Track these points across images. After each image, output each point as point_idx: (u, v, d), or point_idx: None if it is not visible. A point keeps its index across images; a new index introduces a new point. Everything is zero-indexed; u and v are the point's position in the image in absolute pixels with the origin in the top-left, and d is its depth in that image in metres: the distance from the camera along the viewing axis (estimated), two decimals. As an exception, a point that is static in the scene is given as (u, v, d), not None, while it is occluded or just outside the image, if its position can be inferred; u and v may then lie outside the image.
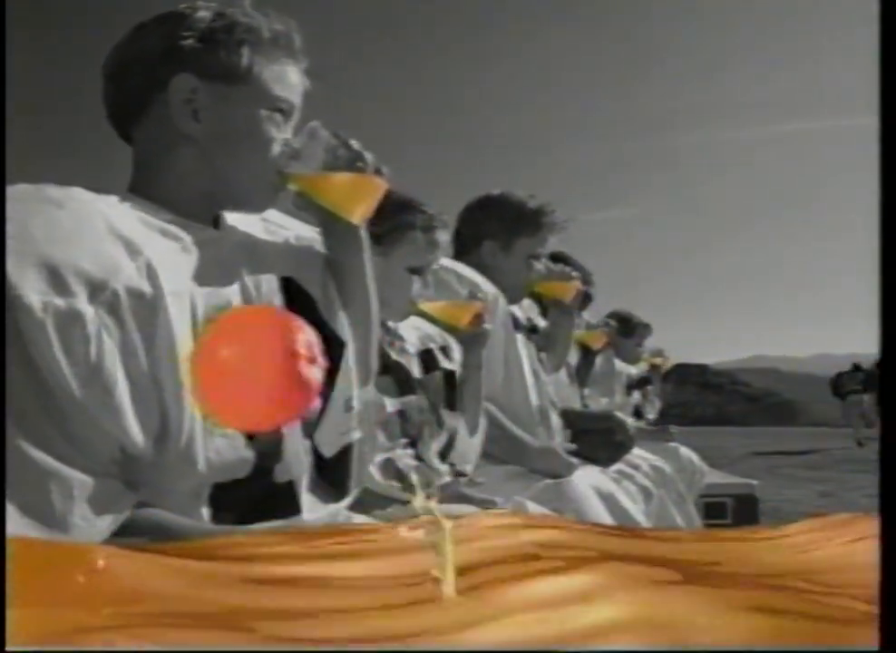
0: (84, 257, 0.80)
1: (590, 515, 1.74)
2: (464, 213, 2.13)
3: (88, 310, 0.78)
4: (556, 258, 2.36)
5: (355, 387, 1.10)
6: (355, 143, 1.02)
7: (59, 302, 0.77)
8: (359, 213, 1.06)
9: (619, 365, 3.67)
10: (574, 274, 2.18)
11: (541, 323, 2.41)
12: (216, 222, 1.03)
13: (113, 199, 0.91)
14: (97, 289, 0.79)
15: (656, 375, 3.96)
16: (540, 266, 2.12)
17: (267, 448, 0.94)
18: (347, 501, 1.08)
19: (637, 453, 2.96)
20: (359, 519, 1.11)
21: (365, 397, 1.18)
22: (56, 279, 0.77)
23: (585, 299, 2.83)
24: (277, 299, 1.04)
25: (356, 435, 1.08)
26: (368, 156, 1.03)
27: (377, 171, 1.04)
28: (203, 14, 0.97)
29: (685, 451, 3.35)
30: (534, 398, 2.08)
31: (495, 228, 2.08)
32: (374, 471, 1.42)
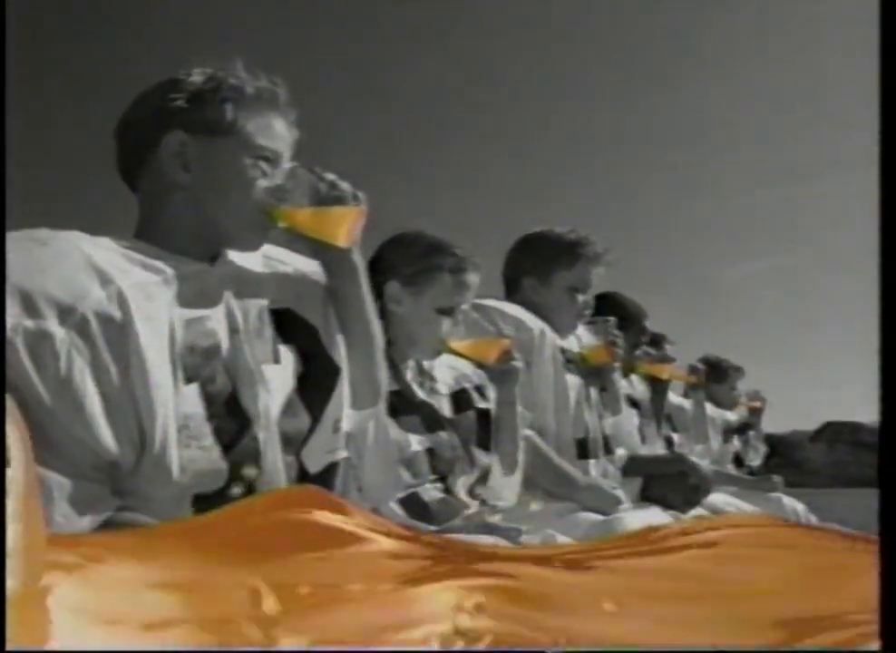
0: (56, 284, 0.92)
1: None
2: (507, 255, 2.17)
3: (58, 331, 0.90)
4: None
5: (345, 409, 1.17)
6: (329, 175, 1.12)
7: (28, 323, 0.89)
8: (342, 237, 1.14)
9: (713, 410, 3.55)
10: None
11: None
12: (215, 261, 1.13)
13: (104, 239, 1.03)
14: (66, 313, 0.91)
15: (756, 419, 3.78)
16: (586, 298, 2.11)
17: (244, 460, 1.01)
18: None
19: (727, 501, 2.86)
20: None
21: (363, 418, 1.25)
22: (28, 304, 0.89)
23: (645, 334, 2.76)
24: (268, 329, 1.12)
25: (342, 455, 1.15)
26: (344, 185, 1.12)
27: (355, 197, 1.13)
28: (195, 78, 1.10)
29: (788, 501, 3.19)
30: (576, 431, 2.06)
31: (533, 264, 2.10)
32: (395, 506, 1.46)
